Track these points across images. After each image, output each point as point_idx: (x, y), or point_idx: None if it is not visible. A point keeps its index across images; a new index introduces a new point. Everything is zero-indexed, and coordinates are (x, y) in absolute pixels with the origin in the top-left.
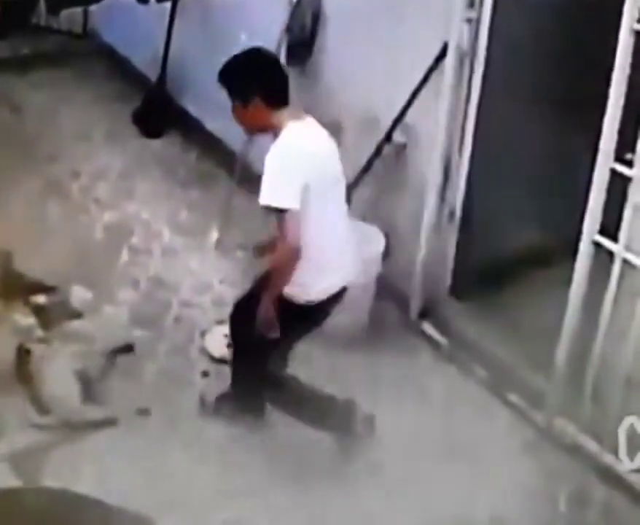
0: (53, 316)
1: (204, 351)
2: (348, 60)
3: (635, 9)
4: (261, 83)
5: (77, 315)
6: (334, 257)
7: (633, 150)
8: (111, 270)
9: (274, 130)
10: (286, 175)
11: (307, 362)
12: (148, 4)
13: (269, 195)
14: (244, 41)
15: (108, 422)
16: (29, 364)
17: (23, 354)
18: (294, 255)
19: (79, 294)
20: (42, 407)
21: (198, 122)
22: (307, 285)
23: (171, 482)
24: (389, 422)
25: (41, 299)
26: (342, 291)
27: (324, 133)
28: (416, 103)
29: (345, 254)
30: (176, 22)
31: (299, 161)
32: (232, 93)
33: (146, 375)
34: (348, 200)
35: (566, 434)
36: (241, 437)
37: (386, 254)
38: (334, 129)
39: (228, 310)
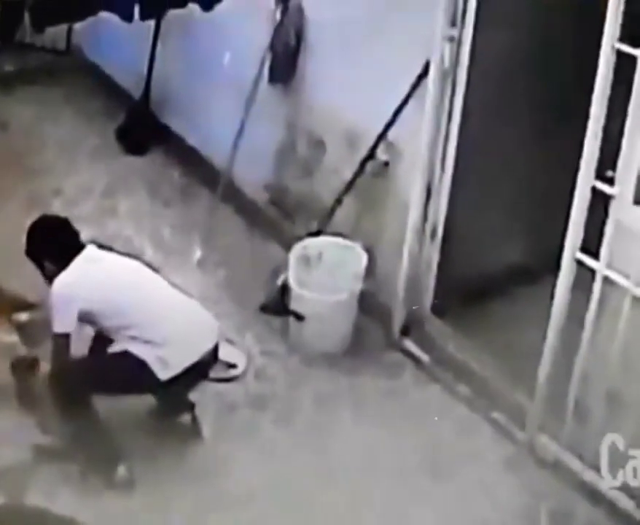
0: (36, 333)
1: None
2: (331, 78)
3: (616, 27)
4: (43, 252)
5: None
6: (177, 340)
7: (613, 168)
8: None
9: None
10: (61, 310)
11: (289, 379)
12: (132, 21)
13: (55, 325)
14: (228, 61)
15: None
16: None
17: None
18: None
19: None
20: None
21: (181, 139)
22: (161, 365)
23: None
24: (371, 439)
25: (23, 316)
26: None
27: (116, 260)
28: (399, 120)
29: (190, 330)
30: (160, 39)
31: (71, 297)
32: (33, 263)
33: None
34: (330, 216)
35: (547, 451)
36: None
37: (369, 271)
38: (317, 146)
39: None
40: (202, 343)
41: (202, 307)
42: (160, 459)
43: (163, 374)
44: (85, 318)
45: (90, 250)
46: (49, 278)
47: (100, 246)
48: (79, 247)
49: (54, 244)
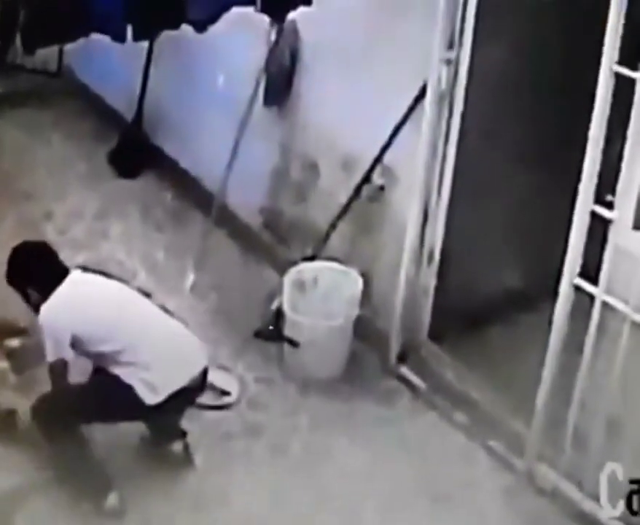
0: (26, 359)
1: None
2: (326, 99)
3: (614, 50)
4: (26, 280)
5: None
6: (163, 363)
7: (613, 192)
8: None
9: None
10: (52, 337)
11: (284, 406)
12: (124, 42)
13: (48, 354)
14: (222, 83)
15: None
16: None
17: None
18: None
19: None
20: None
21: (174, 161)
22: (148, 389)
23: None
24: (367, 467)
25: (14, 342)
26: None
27: (102, 284)
28: (395, 144)
29: (177, 354)
30: (153, 61)
31: (60, 323)
32: (17, 291)
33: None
34: (325, 241)
35: (546, 479)
36: None
37: (364, 296)
38: (312, 169)
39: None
40: (189, 367)
41: (189, 331)
42: (152, 488)
43: (150, 398)
44: (75, 345)
45: (74, 275)
46: (35, 306)
47: (86, 269)
48: (63, 273)
49: (36, 271)
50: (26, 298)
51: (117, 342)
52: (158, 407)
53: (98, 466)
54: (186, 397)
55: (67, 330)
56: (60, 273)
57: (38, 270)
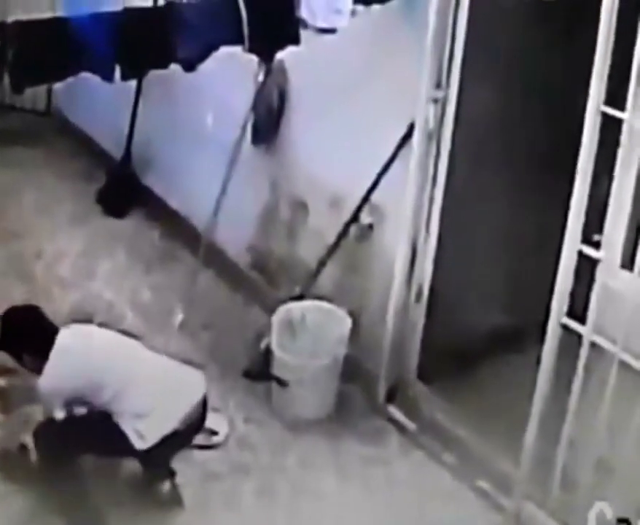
0: (14, 399)
1: None
2: (314, 138)
3: (601, 90)
4: (20, 346)
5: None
6: (153, 411)
7: (600, 231)
8: None
9: None
10: (50, 398)
11: (272, 446)
12: (113, 81)
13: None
14: (210, 122)
15: None
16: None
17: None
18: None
19: None
20: None
21: (163, 201)
22: (138, 436)
23: None
24: (355, 508)
25: (1, 382)
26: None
27: (99, 335)
28: (383, 182)
29: (167, 398)
30: (141, 100)
31: (57, 390)
32: (10, 356)
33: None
34: (314, 280)
35: (534, 519)
36: None
37: (353, 335)
38: (300, 208)
39: None
40: (184, 400)
41: (182, 366)
42: None
43: (140, 444)
44: (69, 402)
45: (64, 338)
46: (30, 369)
47: (76, 321)
48: (53, 333)
49: (29, 337)
50: (20, 362)
51: (107, 392)
52: (150, 449)
53: (88, 504)
54: (181, 437)
55: (62, 395)
56: (51, 334)
57: (31, 336)
